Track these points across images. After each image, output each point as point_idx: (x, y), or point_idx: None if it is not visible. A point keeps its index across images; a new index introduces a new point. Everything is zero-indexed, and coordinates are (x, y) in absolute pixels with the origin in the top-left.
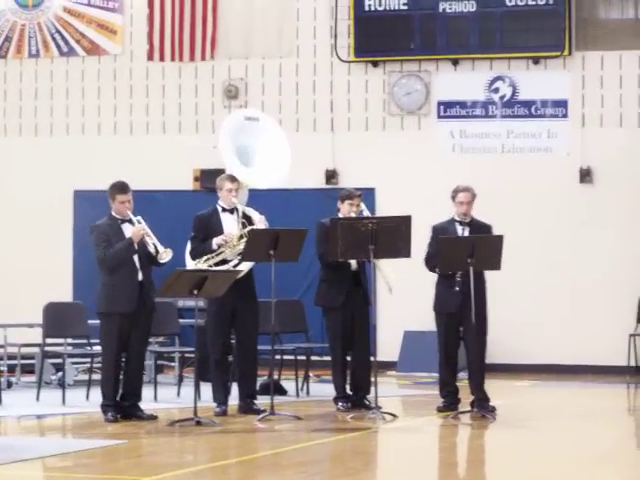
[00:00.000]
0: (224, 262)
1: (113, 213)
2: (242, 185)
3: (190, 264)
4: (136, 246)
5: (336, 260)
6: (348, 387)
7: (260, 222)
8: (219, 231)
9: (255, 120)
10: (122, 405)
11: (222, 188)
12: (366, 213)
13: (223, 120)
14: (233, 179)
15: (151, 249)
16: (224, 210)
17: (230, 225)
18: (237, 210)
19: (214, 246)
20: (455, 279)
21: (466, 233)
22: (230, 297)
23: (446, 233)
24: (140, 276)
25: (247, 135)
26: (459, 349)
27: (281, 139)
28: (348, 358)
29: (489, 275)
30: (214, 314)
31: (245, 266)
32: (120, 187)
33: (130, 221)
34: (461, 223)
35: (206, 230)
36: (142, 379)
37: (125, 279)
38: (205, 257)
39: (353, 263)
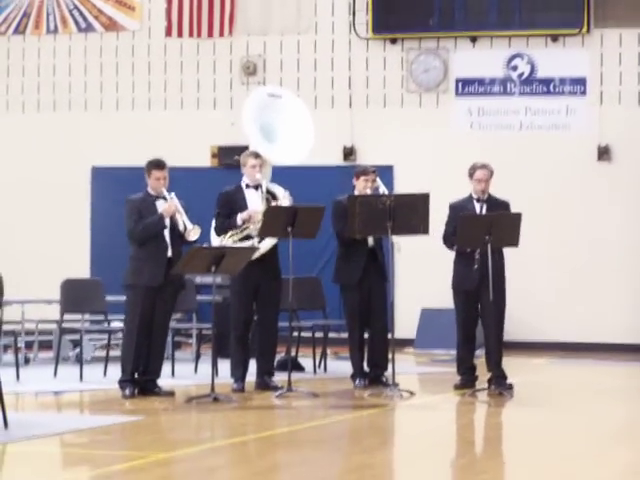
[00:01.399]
0: (248, 238)
1: (149, 189)
2: (266, 161)
3: (215, 240)
4: (167, 222)
5: (354, 237)
6: (365, 364)
7: (284, 198)
8: (243, 207)
9: (278, 97)
10: (140, 381)
11: (246, 164)
12: (382, 189)
13: (246, 97)
14: (257, 155)
15: (180, 227)
16: (248, 186)
17: (254, 201)
18: (261, 186)
19: (239, 222)
20: (474, 257)
21: (484, 210)
22: (254, 274)
23: (464, 210)
24: (170, 252)
25: (270, 112)
26: (477, 327)
27: (304, 116)
28: (366, 335)
29: (507, 252)
30: (238, 290)
31: (267, 243)
32: (156, 163)
33: (164, 198)
34: (479, 200)
35: (230, 206)
36: (163, 356)
37: (154, 253)
38: (230, 233)
39: (370, 240)
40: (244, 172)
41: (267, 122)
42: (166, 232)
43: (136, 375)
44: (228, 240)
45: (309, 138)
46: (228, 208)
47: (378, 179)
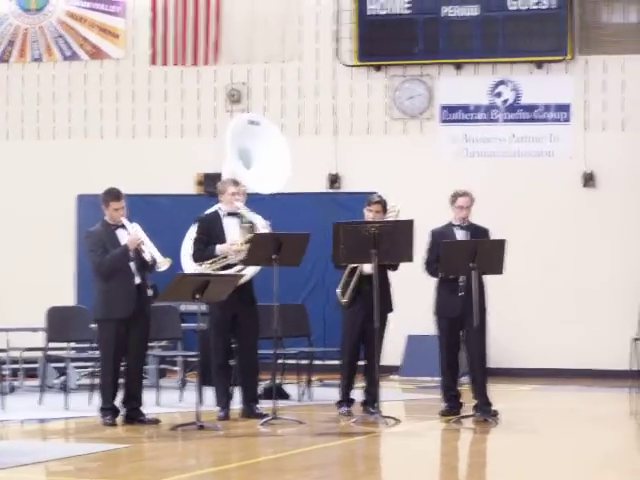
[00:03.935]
0: (228, 267)
1: (107, 219)
2: (244, 189)
3: (190, 266)
4: (131, 253)
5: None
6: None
7: (264, 228)
8: (221, 235)
9: (257, 124)
10: (120, 409)
11: (225, 192)
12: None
13: (227, 123)
14: (236, 183)
15: (147, 257)
16: (226, 214)
17: (232, 229)
18: (239, 214)
19: (217, 252)
20: (458, 283)
21: (465, 237)
22: (231, 302)
23: (445, 238)
24: (137, 280)
25: (249, 138)
26: (460, 353)
27: (281, 144)
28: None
29: (492, 279)
30: (215, 320)
31: (250, 271)
32: (114, 194)
33: (124, 226)
34: (460, 227)
35: (209, 233)
36: (142, 383)
37: (121, 284)
38: (210, 261)
39: (367, 267)
40: (222, 200)
41: (245, 149)
42: (131, 262)
43: (116, 403)
44: (208, 268)
45: (286, 167)
46: (207, 235)
47: (396, 206)
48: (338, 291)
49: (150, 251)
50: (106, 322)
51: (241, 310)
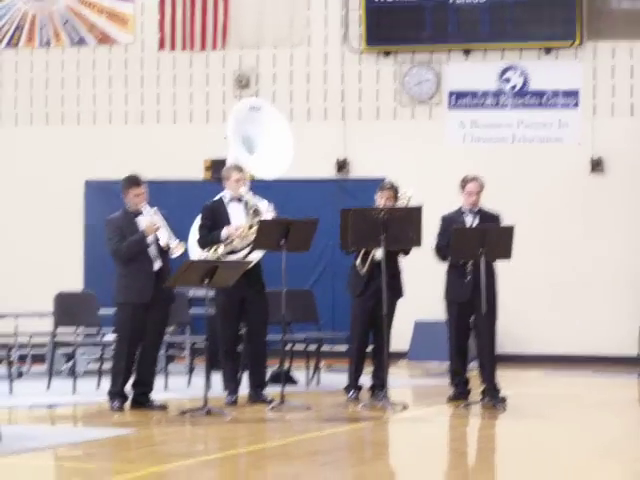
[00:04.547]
0: (232, 252)
1: (127, 206)
2: (248, 174)
3: (196, 253)
4: (150, 239)
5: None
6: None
7: (268, 212)
8: (226, 221)
9: (257, 109)
10: (130, 394)
11: (229, 178)
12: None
13: (230, 110)
14: (240, 169)
15: (162, 242)
16: (231, 200)
17: (238, 215)
18: (244, 199)
19: (223, 236)
20: (466, 268)
21: (475, 223)
22: (238, 287)
23: (455, 223)
24: (157, 265)
25: (251, 125)
26: (469, 339)
27: (284, 129)
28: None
29: (499, 265)
30: (222, 305)
31: (255, 256)
32: (133, 180)
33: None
34: (470, 213)
35: (214, 220)
36: (155, 369)
37: (140, 269)
38: (215, 246)
39: (377, 253)
40: (226, 186)
41: (248, 135)
42: (151, 247)
43: (126, 388)
44: (213, 254)
45: (288, 152)
46: (211, 221)
47: (407, 193)
48: (358, 261)
49: (166, 236)
50: (124, 306)
51: (249, 295)
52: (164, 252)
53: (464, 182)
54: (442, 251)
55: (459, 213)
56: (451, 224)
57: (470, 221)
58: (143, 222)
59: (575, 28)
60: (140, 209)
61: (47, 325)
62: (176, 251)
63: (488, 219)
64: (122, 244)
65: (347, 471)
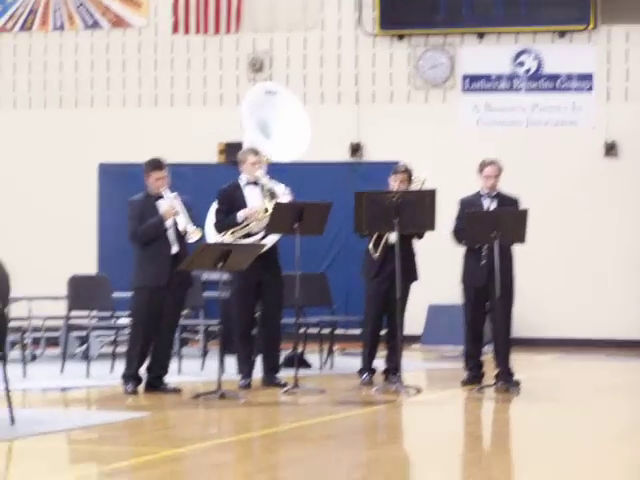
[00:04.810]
0: (249, 235)
1: (148, 189)
2: (264, 158)
3: (213, 236)
4: (168, 224)
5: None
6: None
7: (284, 195)
8: (243, 205)
9: (273, 94)
10: (143, 377)
11: (245, 161)
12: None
13: (245, 94)
14: (256, 152)
15: (180, 227)
16: (247, 183)
17: (254, 199)
18: (260, 183)
19: (239, 219)
20: (481, 252)
21: (493, 206)
22: (255, 270)
23: (473, 206)
24: (174, 249)
25: (267, 109)
26: (485, 323)
27: (300, 112)
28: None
29: (513, 249)
30: (238, 288)
31: (270, 240)
32: (155, 164)
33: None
34: (488, 196)
35: (230, 204)
36: (170, 352)
37: (157, 253)
38: (231, 230)
39: (391, 237)
40: (242, 169)
41: (264, 119)
42: (169, 231)
43: (140, 371)
44: (229, 237)
45: (305, 135)
46: (228, 205)
47: (421, 176)
48: (370, 245)
49: (183, 221)
50: (141, 290)
51: (265, 278)
52: (182, 237)
53: (482, 165)
54: (460, 234)
55: (477, 196)
56: (469, 207)
57: (488, 204)
58: (163, 206)
59: (589, 12)
60: (161, 193)
61: (61, 308)
62: (193, 236)
63: (506, 202)
64: (139, 228)
65: (361, 454)
